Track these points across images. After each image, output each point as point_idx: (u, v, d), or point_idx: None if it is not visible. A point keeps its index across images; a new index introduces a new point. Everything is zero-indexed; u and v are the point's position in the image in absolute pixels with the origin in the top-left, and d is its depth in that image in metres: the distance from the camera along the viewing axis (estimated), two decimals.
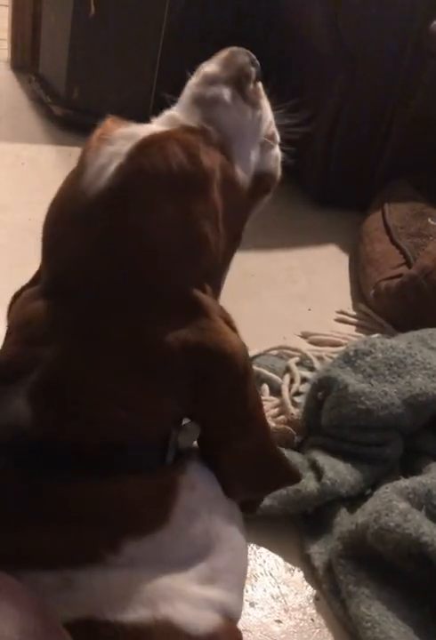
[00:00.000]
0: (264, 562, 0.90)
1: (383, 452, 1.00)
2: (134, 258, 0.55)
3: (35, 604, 0.40)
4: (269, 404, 1.12)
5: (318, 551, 0.90)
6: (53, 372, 0.55)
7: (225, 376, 0.56)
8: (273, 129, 0.68)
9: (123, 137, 0.58)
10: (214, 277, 0.62)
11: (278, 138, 0.69)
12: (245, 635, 0.78)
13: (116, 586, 0.52)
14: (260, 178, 0.67)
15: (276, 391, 1.15)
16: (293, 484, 0.71)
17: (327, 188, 1.89)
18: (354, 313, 1.47)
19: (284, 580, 0.88)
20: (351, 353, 1.05)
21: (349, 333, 1.38)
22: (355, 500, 0.96)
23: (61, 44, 2.03)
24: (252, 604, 0.84)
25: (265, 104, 0.67)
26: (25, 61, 2.44)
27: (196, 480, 0.59)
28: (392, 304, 1.40)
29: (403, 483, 0.89)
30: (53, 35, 2.12)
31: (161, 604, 0.52)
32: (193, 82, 0.66)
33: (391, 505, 0.84)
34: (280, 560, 0.91)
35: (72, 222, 0.57)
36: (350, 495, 0.95)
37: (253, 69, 0.66)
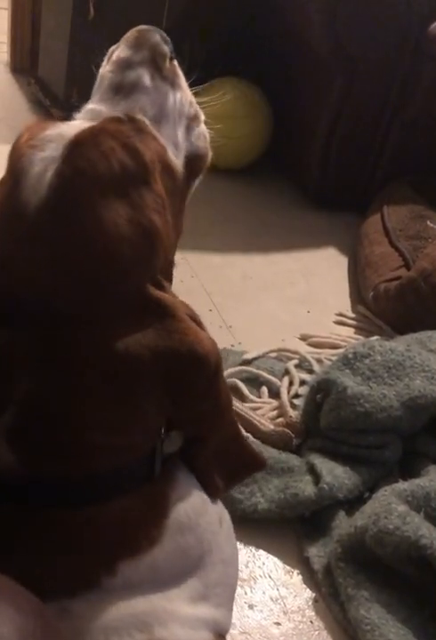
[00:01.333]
0: (263, 564, 0.90)
1: (382, 455, 1.00)
2: (89, 265, 0.51)
3: (34, 606, 0.40)
4: (267, 406, 1.13)
5: (318, 554, 0.90)
6: (29, 412, 0.52)
7: (200, 377, 0.55)
8: (195, 107, 0.65)
9: (52, 140, 0.54)
10: (168, 271, 0.59)
11: (202, 116, 0.66)
12: (244, 637, 0.78)
13: (112, 611, 0.51)
14: (191, 160, 0.64)
15: (275, 393, 1.15)
16: (261, 469, 0.70)
17: (326, 191, 1.89)
18: (353, 315, 1.47)
19: (283, 582, 0.88)
20: (350, 355, 1.05)
21: (348, 336, 1.38)
22: (353, 502, 0.96)
23: (61, 46, 2.03)
24: (251, 607, 0.84)
25: (184, 83, 0.64)
26: (24, 64, 2.44)
27: (183, 491, 0.58)
28: (391, 306, 1.40)
29: (402, 485, 0.89)
30: (53, 37, 2.12)
31: (156, 628, 0.52)
32: (107, 69, 0.62)
33: (390, 508, 0.84)
34: (279, 562, 0.91)
35: (17, 241, 0.52)
36: (348, 499, 0.95)
37: (166, 47, 0.63)
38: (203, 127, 0.66)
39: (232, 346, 1.29)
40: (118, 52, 0.62)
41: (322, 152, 1.84)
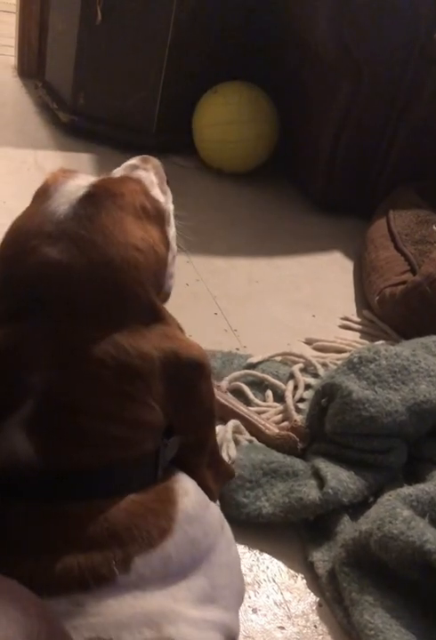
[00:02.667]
0: (267, 568, 0.90)
1: (387, 460, 1.00)
2: (113, 264, 0.57)
3: (39, 609, 0.41)
4: (272, 410, 1.13)
5: (322, 559, 0.90)
6: (48, 401, 0.55)
7: (199, 380, 0.61)
8: (171, 206, 0.75)
9: (82, 177, 0.64)
10: (162, 294, 0.67)
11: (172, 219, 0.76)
12: None
13: (124, 608, 0.52)
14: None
15: (279, 397, 1.15)
16: (231, 478, 0.79)
17: (332, 195, 1.89)
18: (358, 320, 1.47)
19: (287, 586, 0.88)
20: (356, 360, 1.05)
21: (353, 340, 1.38)
22: (358, 507, 0.96)
23: (68, 50, 2.04)
24: (255, 611, 0.84)
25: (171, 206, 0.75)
26: (31, 68, 2.45)
27: (187, 486, 0.61)
28: (397, 311, 1.40)
29: (407, 490, 0.89)
30: (60, 42, 2.13)
31: (165, 627, 0.53)
32: (118, 169, 0.72)
33: (395, 512, 0.84)
34: (283, 566, 0.91)
35: (44, 239, 0.58)
36: (352, 503, 0.95)
37: (163, 175, 0.74)
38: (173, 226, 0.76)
39: (237, 349, 1.29)
40: (130, 161, 0.73)
41: (328, 157, 1.84)
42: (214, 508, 0.64)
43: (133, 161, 0.73)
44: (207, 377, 0.62)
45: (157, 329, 0.59)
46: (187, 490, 0.60)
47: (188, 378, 0.60)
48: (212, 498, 0.65)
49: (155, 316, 0.60)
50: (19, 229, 0.61)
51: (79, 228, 0.58)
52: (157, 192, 0.69)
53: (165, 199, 0.70)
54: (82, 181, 0.62)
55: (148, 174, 0.70)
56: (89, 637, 0.50)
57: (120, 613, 0.52)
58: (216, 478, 0.68)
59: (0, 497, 0.55)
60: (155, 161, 0.75)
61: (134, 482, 0.57)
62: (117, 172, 0.70)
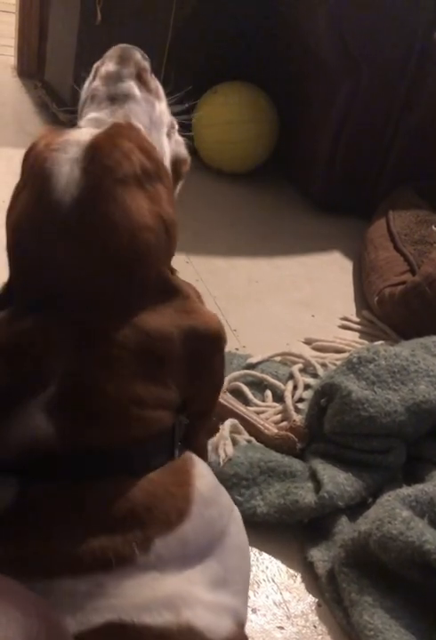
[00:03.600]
0: (267, 568, 0.90)
1: (386, 460, 1.00)
2: (120, 252, 0.57)
3: (39, 609, 0.41)
4: (271, 410, 1.13)
5: (321, 559, 0.90)
6: (70, 384, 0.56)
7: (215, 353, 0.61)
8: (170, 116, 0.72)
9: (72, 144, 0.59)
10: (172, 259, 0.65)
11: (176, 124, 0.73)
12: None
13: (144, 589, 0.53)
14: (174, 164, 0.71)
15: (279, 397, 1.15)
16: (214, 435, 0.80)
17: (332, 195, 1.89)
18: (358, 320, 1.47)
19: (286, 586, 0.88)
20: (355, 360, 1.05)
21: (352, 340, 1.38)
22: (357, 507, 0.96)
23: (67, 50, 2.04)
24: (254, 611, 0.84)
25: (163, 94, 0.71)
26: (31, 68, 2.45)
27: (202, 469, 0.61)
28: (396, 311, 1.40)
29: (406, 491, 0.89)
30: (60, 41, 2.13)
31: (183, 609, 0.53)
32: (96, 83, 0.69)
33: (394, 513, 0.84)
34: (283, 566, 0.91)
35: (53, 237, 0.57)
36: (349, 506, 0.95)
37: (147, 63, 0.70)
38: (177, 134, 0.73)
39: (237, 349, 1.29)
40: (106, 67, 0.69)
41: (328, 157, 1.85)
42: (224, 491, 0.65)
43: (111, 67, 0.68)
44: (221, 348, 0.62)
45: (174, 304, 0.59)
46: (202, 473, 0.61)
47: (205, 352, 0.60)
48: (203, 456, 0.66)
49: (170, 291, 0.60)
50: (23, 224, 0.60)
51: (84, 221, 0.56)
52: (154, 136, 0.66)
53: (159, 126, 0.67)
54: (75, 150, 0.58)
55: (137, 102, 0.66)
56: (110, 619, 0.51)
57: (140, 595, 0.52)
58: (208, 435, 0.70)
59: (20, 479, 0.56)
60: (134, 55, 0.70)
61: (153, 460, 0.58)
62: (104, 111, 0.66)
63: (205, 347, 0.60)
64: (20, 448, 0.56)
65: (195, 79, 2.03)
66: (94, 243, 0.56)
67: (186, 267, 1.52)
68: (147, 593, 0.53)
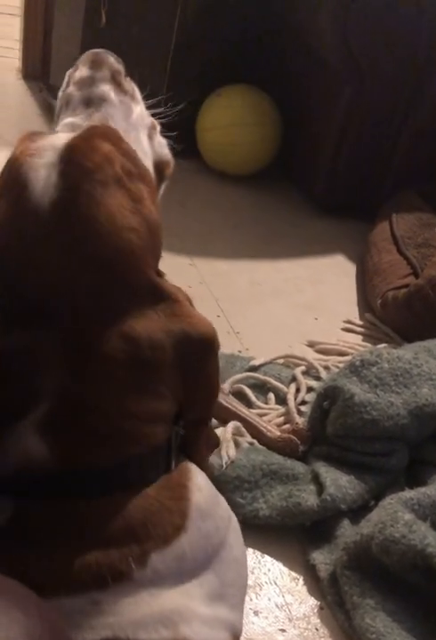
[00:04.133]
0: (269, 570, 0.90)
1: (389, 463, 1.00)
2: (104, 256, 0.55)
3: (41, 610, 0.41)
4: (274, 413, 1.13)
5: (324, 562, 0.90)
6: (60, 402, 0.54)
7: (209, 358, 0.59)
8: (151, 118, 0.72)
9: (47, 148, 0.57)
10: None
11: (158, 125, 0.73)
12: None
13: (141, 606, 0.52)
14: (157, 166, 0.70)
15: (281, 400, 1.15)
16: (216, 447, 0.79)
17: (335, 198, 1.89)
18: (361, 323, 1.47)
19: (288, 589, 0.88)
20: (358, 363, 1.05)
21: (355, 343, 1.38)
22: (359, 510, 0.96)
23: (72, 53, 2.04)
24: (256, 613, 0.84)
25: (139, 96, 0.71)
26: (36, 70, 2.46)
27: (199, 481, 0.60)
28: (399, 314, 1.40)
29: (408, 494, 0.89)
30: (64, 44, 2.14)
31: (180, 625, 0.52)
32: (71, 89, 0.68)
33: (397, 516, 0.84)
34: (285, 569, 0.91)
35: (33, 244, 0.55)
36: (351, 508, 0.95)
37: (121, 66, 0.70)
38: (159, 136, 0.72)
39: (239, 352, 1.29)
40: (79, 72, 0.68)
41: (331, 160, 1.85)
42: (223, 501, 0.64)
43: (84, 72, 0.67)
44: (215, 353, 0.60)
45: (164, 309, 0.57)
46: (200, 486, 0.60)
47: (198, 356, 0.58)
48: (205, 468, 0.65)
49: (159, 295, 0.57)
50: (1, 232, 0.57)
51: (64, 227, 0.54)
52: (132, 138, 0.64)
53: (135, 120, 0.66)
54: (50, 155, 0.56)
55: (112, 105, 0.66)
56: (106, 636, 0.50)
57: (137, 612, 0.52)
58: (207, 448, 0.68)
59: (16, 498, 0.55)
60: (107, 59, 0.70)
61: (149, 475, 0.57)
62: (80, 115, 0.66)
63: (199, 351, 0.58)
64: (15, 467, 0.55)
65: (199, 82, 2.05)
66: (75, 245, 0.54)
67: (189, 269, 1.52)
68: (144, 609, 0.52)
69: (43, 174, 0.56)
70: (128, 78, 0.71)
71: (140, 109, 0.70)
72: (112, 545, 0.53)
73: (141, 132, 0.68)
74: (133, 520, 0.54)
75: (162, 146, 0.72)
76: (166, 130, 0.72)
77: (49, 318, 0.54)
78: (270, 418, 1.11)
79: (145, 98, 0.72)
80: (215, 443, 0.75)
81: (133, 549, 0.53)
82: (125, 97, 0.69)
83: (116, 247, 0.55)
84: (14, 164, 0.59)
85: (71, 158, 0.56)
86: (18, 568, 0.51)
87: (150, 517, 0.55)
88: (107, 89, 0.67)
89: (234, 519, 0.65)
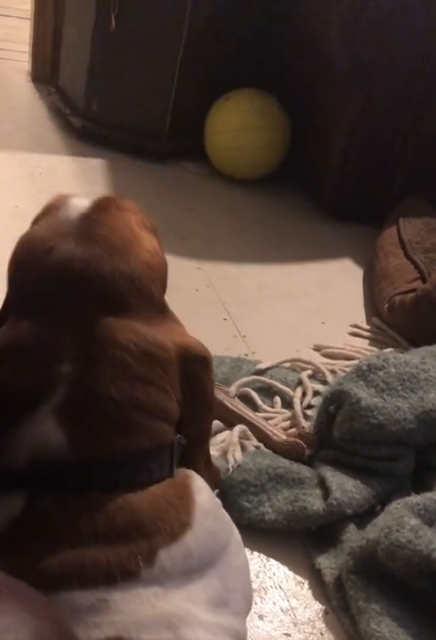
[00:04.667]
0: (274, 574, 0.90)
1: (395, 468, 1.00)
2: (130, 264, 0.61)
3: (50, 612, 0.41)
4: (280, 416, 1.13)
5: (329, 566, 0.90)
6: (78, 390, 0.57)
7: (206, 375, 0.64)
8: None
9: (81, 198, 0.68)
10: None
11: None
12: None
13: (145, 607, 0.53)
14: None
15: (288, 404, 1.15)
16: (216, 487, 0.83)
17: (343, 203, 1.89)
18: (368, 327, 1.47)
19: (293, 593, 0.88)
20: (364, 367, 1.05)
21: (362, 347, 1.38)
22: (365, 515, 0.96)
23: (81, 57, 2.06)
24: (261, 617, 0.84)
25: None
26: (45, 74, 2.47)
27: (201, 484, 0.62)
28: (406, 318, 1.40)
29: (414, 499, 0.89)
30: (74, 48, 2.15)
31: (182, 629, 0.53)
32: None
33: (403, 521, 0.84)
34: (290, 573, 0.91)
35: (61, 241, 0.61)
36: (357, 513, 0.95)
37: None
38: None
39: (246, 355, 1.29)
40: None
41: (339, 164, 1.85)
42: (224, 511, 0.66)
43: None
44: (210, 371, 0.66)
45: (167, 324, 0.63)
46: (201, 487, 0.62)
47: (195, 371, 0.63)
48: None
49: (164, 314, 0.64)
50: (32, 237, 0.64)
51: (95, 228, 0.61)
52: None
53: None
54: (83, 200, 0.67)
55: None
56: (110, 635, 0.51)
57: (141, 613, 0.53)
58: (209, 479, 0.70)
59: (29, 489, 0.56)
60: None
61: (155, 473, 0.59)
62: None
63: (197, 366, 0.63)
64: (31, 457, 0.56)
65: (207, 86, 2.05)
66: (103, 246, 0.60)
67: (197, 273, 1.53)
68: (148, 610, 0.53)
69: (77, 201, 0.65)
70: None
71: None
72: (121, 541, 0.54)
73: None
74: (142, 515, 0.55)
75: None
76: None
77: (67, 307, 0.59)
78: (276, 421, 1.11)
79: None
80: (216, 478, 0.79)
81: (142, 546, 0.54)
82: None
83: (137, 256, 0.62)
84: (52, 200, 0.68)
85: (103, 197, 0.66)
86: (29, 561, 0.52)
87: (158, 513, 0.56)
88: None
89: (236, 531, 0.67)
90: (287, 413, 1.13)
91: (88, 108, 2.07)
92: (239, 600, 0.61)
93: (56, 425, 0.56)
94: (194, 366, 0.63)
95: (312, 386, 1.18)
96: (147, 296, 0.62)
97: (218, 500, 0.65)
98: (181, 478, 0.61)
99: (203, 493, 0.61)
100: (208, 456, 0.74)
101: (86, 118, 2.08)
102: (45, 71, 2.47)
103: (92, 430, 0.57)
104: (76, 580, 0.52)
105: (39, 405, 0.57)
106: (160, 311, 0.64)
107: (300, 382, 1.20)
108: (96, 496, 0.56)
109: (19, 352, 0.58)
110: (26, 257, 0.63)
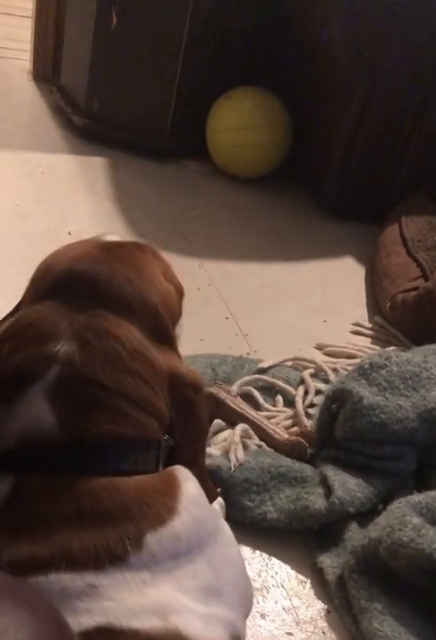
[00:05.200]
0: (276, 573, 0.90)
1: (397, 466, 0.99)
2: (142, 278, 0.66)
3: (49, 612, 0.41)
4: (282, 415, 1.12)
5: (331, 565, 0.90)
6: (69, 371, 0.58)
7: (198, 400, 0.67)
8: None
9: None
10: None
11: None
12: None
13: (134, 593, 0.53)
14: None
15: (290, 403, 1.15)
16: (214, 500, 0.84)
17: (344, 201, 1.89)
18: (370, 325, 1.46)
19: (296, 592, 0.88)
20: (366, 366, 1.05)
21: (364, 346, 1.37)
22: (367, 514, 0.96)
23: (83, 55, 2.05)
24: (263, 616, 0.84)
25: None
26: (46, 72, 2.47)
27: (187, 474, 0.63)
28: (408, 317, 1.40)
29: (416, 497, 0.89)
30: (75, 46, 2.14)
31: (172, 616, 0.53)
32: None
33: (405, 520, 0.84)
34: (292, 572, 0.91)
35: (80, 248, 0.66)
36: (359, 512, 0.95)
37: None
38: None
39: (248, 354, 1.29)
40: None
41: (341, 162, 1.84)
42: (210, 503, 0.67)
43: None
44: (202, 397, 0.68)
45: (167, 350, 0.66)
46: (187, 477, 0.63)
47: (188, 395, 0.66)
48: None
49: (168, 341, 0.66)
50: (64, 247, 0.70)
51: (120, 251, 0.67)
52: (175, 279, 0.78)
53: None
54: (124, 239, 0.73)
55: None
56: (100, 622, 0.51)
57: (131, 600, 0.53)
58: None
59: (16, 470, 0.57)
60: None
61: (141, 464, 0.60)
62: None
63: (188, 390, 0.65)
64: (21, 436, 0.57)
65: (209, 84, 2.05)
66: (118, 257, 0.66)
67: (198, 271, 1.53)
68: (137, 598, 0.53)
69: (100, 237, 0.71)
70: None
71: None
72: (108, 523, 0.55)
73: None
74: (128, 498, 0.56)
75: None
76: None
77: (73, 295, 0.62)
78: (278, 420, 1.11)
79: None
80: (211, 495, 0.79)
81: (129, 529, 0.55)
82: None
83: (149, 278, 0.67)
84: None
85: (142, 244, 0.73)
86: (19, 542, 0.53)
87: (145, 498, 0.57)
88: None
89: (226, 526, 0.67)
90: (289, 412, 1.13)
91: (89, 106, 2.07)
92: (233, 592, 0.61)
93: (47, 405, 0.57)
94: (185, 390, 0.65)
95: (314, 384, 1.18)
96: (151, 315, 0.65)
97: (201, 490, 0.65)
98: (167, 470, 0.62)
99: (189, 482, 0.62)
100: (204, 474, 0.74)
101: (88, 117, 2.08)
102: (47, 70, 2.47)
103: (81, 413, 0.58)
104: (64, 564, 0.53)
105: (33, 384, 0.58)
106: (163, 336, 0.66)
107: (302, 381, 1.19)
108: (83, 478, 0.56)
109: (22, 330, 0.61)
110: (51, 258, 0.68)
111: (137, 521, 0.55)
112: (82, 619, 0.50)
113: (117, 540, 0.54)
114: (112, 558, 0.53)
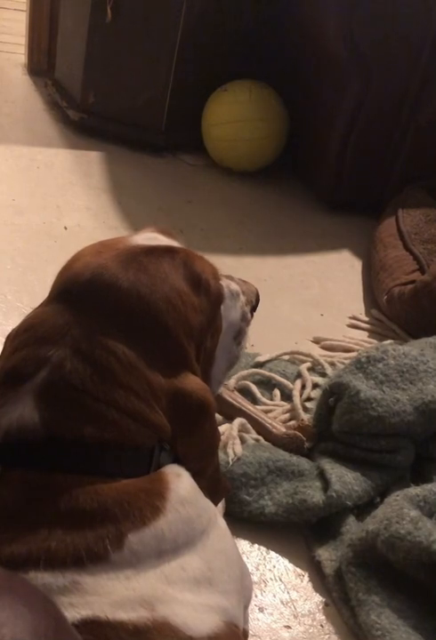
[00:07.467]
0: (274, 567, 0.90)
1: (394, 459, 0.99)
2: (151, 292, 0.62)
3: (46, 605, 0.41)
4: (279, 409, 1.13)
5: (329, 558, 0.90)
6: (58, 376, 0.58)
7: (204, 419, 0.64)
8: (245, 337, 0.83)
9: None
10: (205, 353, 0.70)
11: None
12: None
13: (118, 588, 0.53)
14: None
15: (287, 396, 1.15)
16: (228, 495, 0.85)
17: (341, 194, 1.89)
18: (367, 319, 1.46)
19: (293, 585, 0.88)
20: (363, 359, 1.05)
21: (361, 339, 1.37)
22: (365, 507, 0.96)
23: (78, 49, 2.05)
24: (261, 610, 0.84)
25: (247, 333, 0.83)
26: (41, 66, 2.46)
27: (179, 471, 0.62)
28: (405, 310, 1.40)
29: (414, 490, 0.89)
30: (70, 40, 2.14)
31: (158, 606, 0.53)
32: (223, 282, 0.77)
33: (402, 512, 0.84)
34: (290, 566, 0.91)
35: (94, 255, 0.64)
36: (357, 505, 0.95)
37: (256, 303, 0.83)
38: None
39: (245, 348, 1.29)
40: (234, 285, 0.80)
41: (337, 155, 1.84)
42: (207, 500, 0.66)
43: (234, 287, 0.80)
44: (211, 415, 0.66)
45: (179, 367, 0.63)
46: (179, 473, 0.62)
47: (192, 415, 0.63)
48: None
49: (181, 358, 0.64)
50: (88, 246, 0.68)
51: (140, 253, 0.64)
52: (226, 281, 0.76)
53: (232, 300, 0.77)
54: (156, 236, 0.72)
55: (231, 282, 0.78)
56: (86, 615, 0.51)
57: (116, 593, 0.53)
58: (214, 498, 0.70)
59: (2, 462, 0.58)
60: (252, 286, 0.84)
61: (127, 468, 0.59)
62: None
63: (192, 409, 0.63)
64: (6, 431, 0.58)
65: (205, 77, 2.04)
66: (129, 267, 0.62)
67: None
68: (122, 591, 0.53)
69: (152, 237, 0.70)
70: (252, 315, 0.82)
71: (244, 329, 0.82)
72: (86, 524, 0.54)
73: (226, 344, 0.77)
74: (109, 499, 0.56)
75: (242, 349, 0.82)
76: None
77: (74, 302, 0.61)
78: (275, 414, 1.11)
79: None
80: (227, 489, 0.79)
81: (109, 529, 0.55)
82: (240, 311, 0.81)
83: (161, 291, 0.63)
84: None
85: (159, 248, 0.69)
86: None
87: (127, 499, 0.56)
88: (241, 298, 0.82)
89: (221, 519, 0.67)
90: (287, 406, 1.13)
91: (85, 100, 2.06)
92: (226, 580, 0.61)
93: (33, 403, 0.58)
94: (189, 410, 0.63)
95: (311, 378, 1.18)
96: (162, 332, 0.62)
97: (198, 489, 0.65)
98: (159, 470, 0.61)
99: (181, 479, 0.61)
100: (214, 484, 0.73)
101: (83, 111, 2.07)
102: (42, 63, 2.46)
103: (64, 414, 0.58)
104: (43, 560, 0.52)
105: (24, 383, 0.59)
106: (176, 356, 0.63)
107: (299, 375, 1.19)
108: (63, 477, 0.56)
109: (26, 330, 0.61)
110: (75, 257, 0.67)
111: (118, 521, 0.55)
112: (67, 613, 0.50)
113: (97, 540, 0.54)
114: (92, 557, 0.53)
